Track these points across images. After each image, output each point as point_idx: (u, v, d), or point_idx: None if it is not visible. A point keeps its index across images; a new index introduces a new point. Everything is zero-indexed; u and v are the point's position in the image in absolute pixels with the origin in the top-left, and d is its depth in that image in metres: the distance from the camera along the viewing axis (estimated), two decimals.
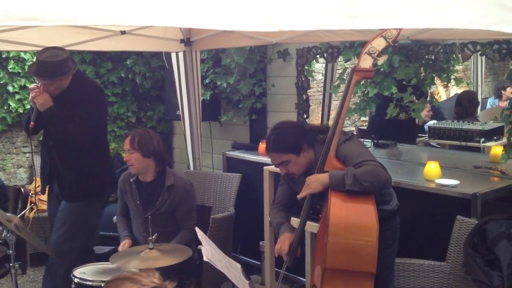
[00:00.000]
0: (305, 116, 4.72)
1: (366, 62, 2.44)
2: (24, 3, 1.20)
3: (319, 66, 5.11)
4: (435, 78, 3.96)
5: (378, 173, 2.45)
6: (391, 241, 2.75)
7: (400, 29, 2.39)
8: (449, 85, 4.85)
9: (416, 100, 3.91)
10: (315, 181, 2.52)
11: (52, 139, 3.47)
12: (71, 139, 3.37)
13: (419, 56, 3.82)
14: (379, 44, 2.42)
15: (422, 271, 3.02)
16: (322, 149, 2.58)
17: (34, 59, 4.43)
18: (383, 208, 2.65)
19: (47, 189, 3.67)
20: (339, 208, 2.41)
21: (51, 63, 3.25)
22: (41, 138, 4.01)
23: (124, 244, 3.32)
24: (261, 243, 4.22)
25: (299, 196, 2.58)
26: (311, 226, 2.82)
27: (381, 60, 2.46)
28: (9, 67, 5.31)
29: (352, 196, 2.44)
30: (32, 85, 3.41)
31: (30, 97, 3.36)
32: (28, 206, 4.20)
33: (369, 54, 2.42)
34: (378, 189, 2.51)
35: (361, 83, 4.01)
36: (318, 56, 4.56)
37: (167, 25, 1.29)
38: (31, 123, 3.30)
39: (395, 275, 2.96)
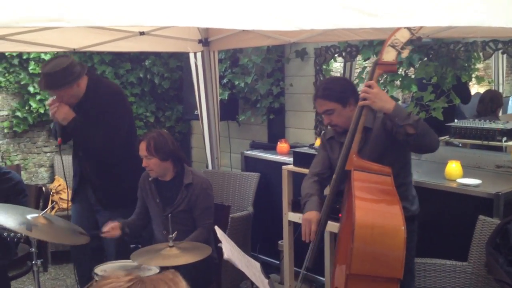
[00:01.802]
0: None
1: (389, 55, 2.37)
2: (48, 4, 1.22)
3: (337, 65, 5.08)
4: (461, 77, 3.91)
5: (431, 128, 2.45)
6: (412, 245, 2.71)
7: None
8: (469, 84, 4.79)
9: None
10: (381, 95, 2.43)
11: (81, 150, 3.45)
12: (97, 147, 3.33)
13: (439, 55, 3.78)
14: (403, 35, 2.34)
15: (444, 271, 2.99)
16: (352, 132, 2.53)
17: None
18: (408, 207, 2.63)
19: (63, 191, 3.67)
20: (365, 211, 2.33)
21: (55, 73, 3.19)
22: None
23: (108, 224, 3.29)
24: (280, 242, 4.22)
25: (360, 103, 2.48)
26: (331, 226, 2.80)
27: (405, 53, 2.38)
28: (29, 68, 5.39)
29: (377, 198, 2.39)
30: (49, 101, 3.35)
31: (50, 114, 3.32)
32: (50, 205, 4.25)
33: (393, 46, 2.35)
34: (428, 145, 2.47)
35: (380, 81, 3.99)
36: (336, 55, 4.55)
37: (189, 25, 1.30)
38: (59, 139, 3.29)
39: (416, 275, 2.93)
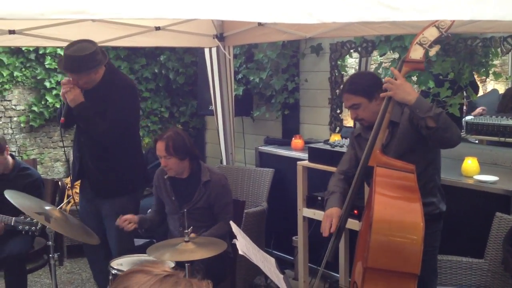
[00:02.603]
0: (338, 111, 4.70)
1: (417, 53, 2.36)
2: None
3: (351, 61, 5.06)
4: (473, 72, 3.87)
5: (453, 123, 2.43)
6: (437, 244, 2.70)
7: (454, 20, 2.28)
8: (486, 80, 4.75)
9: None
10: (404, 87, 2.41)
11: (83, 135, 3.44)
12: (100, 135, 3.33)
13: (456, 50, 3.75)
14: (431, 34, 2.33)
15: (460, 268, 2.97)
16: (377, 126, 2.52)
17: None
18: (436, 204, 2.62)
19: (78, 185, 3.68)
20: (384, 206, 2.34)
21: (78, 57, 3.18)
22: None
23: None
24: (294, 238, 4.21)
25: (382, 95, 2.49)
26: (350, 223, 2.79)
27: (432, 51, 2.37)
28: (46, 63, 5.43)
29: (398, 194, 2.38)
30: (64, 80, 3.34)
31: (61, 92, 3.32)
32: (66, 199, 4.28)
33: (420, 44, 2.34)
34: (449, 139, 2.43)
35: None
36: (352, 50, 4.53)
37: (211, 18, 1.30)
38: (62, 118, 3.28)
39: None
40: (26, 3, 1.20)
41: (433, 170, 2.67)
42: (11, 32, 3.70)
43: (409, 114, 2.56)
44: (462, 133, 4.20)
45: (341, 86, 4.65)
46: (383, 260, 2.30)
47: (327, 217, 2.69)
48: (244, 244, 2.44)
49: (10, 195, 3.09)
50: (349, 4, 1.41)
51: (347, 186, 2.84)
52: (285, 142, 4.77)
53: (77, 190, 5.01)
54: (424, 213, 2.32)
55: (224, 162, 4.87)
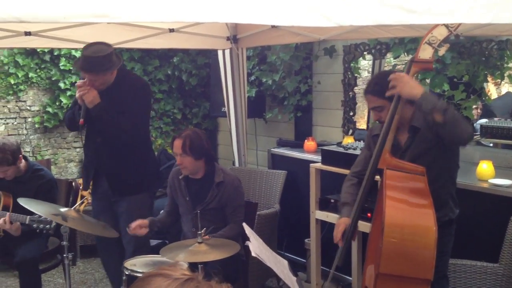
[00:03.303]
0: (351, 113, 4.69)
1: (425, 53, 2.33)
2: (93, 1, 1.24)
3: (364, 63, 5.05)
4: (488, 75, 3.85)
5: (464, 119, 2.38)
6: (447, 249, 2.67)
7: None
8: (501, 82, 4.70)
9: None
10: (410, 83, 2.37)
11: (100, 136, 3.48)
12: (122, 133, 3.38)
13: (471, 53, 3.72)
14: (440, 33, 2.29)
15: (474, 273, 2.94)
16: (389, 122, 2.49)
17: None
18: (447, 211, 2.59)
19: (91, 186, 3.71)
20: (395, 210, 2.31)
21: (97, 58, 3.26)
22: None
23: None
24: (306, 240, 4.20)
25: (387, 94, 2.45)
26: (362, 226, 2.78)
27: (442, 51, 2.33)
28: (60, 64, 5.48)
29: (409, 198, 2.35)
30: (79, 82, 3.38)
31: (77, 94, 3.35)
32: (80, 200, 4.31)
33: (429, 44, 2.31)
34: (459, 135, 2.37)
35: None
36: (365, 52, 4.51)
37: (231, 22, 1.31)
38: (81, 120, 3.31)
39: None
40: (49, 6, 1.21)
41: (447, 178, 2.64)
42: (27, 33, 3.74)
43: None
44: (476, 137, 4.17)
45: (354, 89, 4.67)
46: (396, 266, 2.28)
47: (337, 226, 2.71)
48: (257, 246, 2.44)
49: (25, 202, 3.13)
50: (366, 7, 1.41)
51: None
52: (298, 144, 4.76)
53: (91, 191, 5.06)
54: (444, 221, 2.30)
55: (237, 164, 4.87)
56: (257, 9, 1.34)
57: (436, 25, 2.30)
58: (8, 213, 3.52)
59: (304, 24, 1.35)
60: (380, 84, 2.61)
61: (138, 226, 3.30)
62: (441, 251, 2.43)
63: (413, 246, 2.27)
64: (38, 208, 3.15)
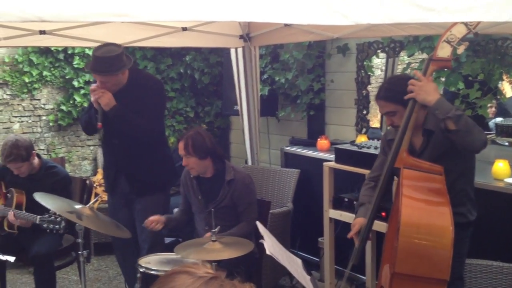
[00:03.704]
0: (364, 112, 4.67)
1: (444, 51, 2.31)
2: (114, 1, 1.25)
3: (377, 61, 5.02)
4: (503, 73, 3.81)
5: (477, 127, 2.36)
6: (463, 251, 2.65)
7: None
8: None
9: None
10: (426, 88, 2.36)
11: (117, 137, 3.49)
12: (139, 133, 3.39)
13: (487, 51, 3.68)
14: (459, 31, 2.26)
15: (490, 272, 2.91)
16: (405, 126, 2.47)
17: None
18: (465, 213, 2.57)
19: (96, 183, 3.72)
20: (412, 209, 2.29)
21: (108, 58, 3.26)
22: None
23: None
24: (320, 239, 4.20)
25: (406, 97, 2.45)
26: (376, 225, 2.77)
27: (461, 49, 2.31)
28: (74, 63, 5.52)
29: (426, 197, 2.34)
30: (92, 86, 3.39)
31: (92, 98, 3.36)
32: (95, 198, 4.34)
33: (448, 42, 2.29)
34: (471, 144, 2.36)
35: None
36: (379, 51, 4.49)
37: (249, 20, 1.30)
38: (99, 124, 3.32)
39: None
40: (70, 6, 1.22)
41: (465, 180, 2.61)
42: (42, 32, 3.76)
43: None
44: (492, 136, 4.13)
45: (368, 87, 4.64)
46: (411, 266, 2.26)
47: (353, 225, 2.72)
48: (271, 245, 2.44)
49: (40, 197, 3.16)
50: (383, 5, 1.40)
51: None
52: (311, 143, 4.75)
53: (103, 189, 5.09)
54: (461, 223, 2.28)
55: (249, 162, 4.87)
56: (274, 8, 1.34)
57: (455, 23, 2.27)
58: (11, 211, 3.57)
59: (321, 22, 1.34)
60: (391, 89, 2.60)
61: (155, 221, 3.32)
62: (457, 253, 2.41)
63: (429, 245, 2.26)
64: (53, 204, 3.17)
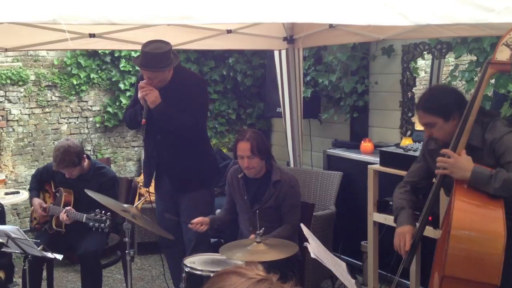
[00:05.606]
0: (410, 114, 4.59)
1: (503, 54, 2.24)
2: (179, 3, 1.27)
3: (422, 63, 4.93)
4: None
5: None
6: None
7: None
8: None
9: None
10: (459, 164, 2.34)
11: (160, 133, 3.53)
12: (184, 131, 3.43)
13: None
14: None
15: None
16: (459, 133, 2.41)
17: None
18: None
19: (152, 185, 3.78)
20: (463, 213, 2.26)
21: (156, 55, 3.29)
22: None
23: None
24: (363, 242, 4.16)
25: (437, 172, 2.44)
26: (426, 231, 2.73)
27: None
28: (120, 66, 5.64)
29: (479, 201, 2.29)
30: (141, 83, 3.42)
31: (140, 95, 3.39)
32: (141, 198, 4.41)
33: (507, 45, 2.21)
34: None
35: (474, 79, 3.82)
36: (425, 52, 4.41)
37: (309, 21, 1.31)
38: (143, 120, 3.37)
39: None
40: (138, 9, 1.25)
41: None
42: (91, 35, 3.86)
43: (491, 142, 2.42)
44: None
45: (413, 89, 4.57)
46: (461, 269, 2.23)
47: (399, 235, 2.64)
48: (315, 248, 2.43)
49: (92, 194, 3.24)
50: (442, 6, 1.37)
51: (414, 197, 2.76)
52: (354, 145, 4.71)
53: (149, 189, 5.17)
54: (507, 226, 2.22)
55: (292, 165, 4.86)
56: (330, 9, 1.34)
57: None
58: (64, 209, 3.67)
59: (380, 23, 1.33)
60: (431, 101, 2.53)
61: (199, 223, 3.35)
62: (510, 258, 2.34)
63: (480, 250, 2.23)
64: (106, 203, 3.24)
